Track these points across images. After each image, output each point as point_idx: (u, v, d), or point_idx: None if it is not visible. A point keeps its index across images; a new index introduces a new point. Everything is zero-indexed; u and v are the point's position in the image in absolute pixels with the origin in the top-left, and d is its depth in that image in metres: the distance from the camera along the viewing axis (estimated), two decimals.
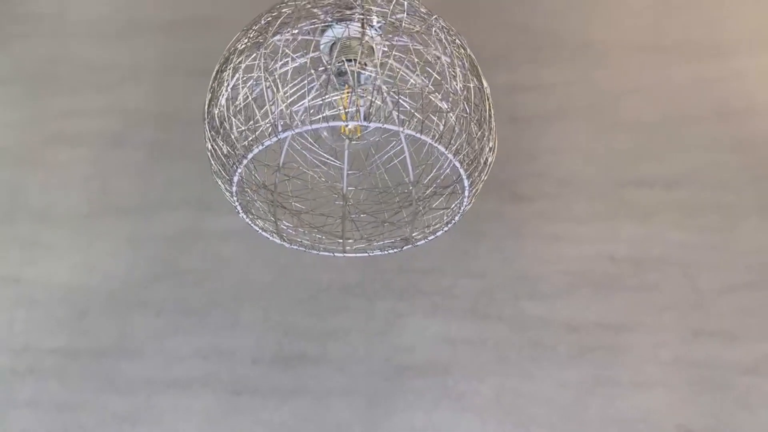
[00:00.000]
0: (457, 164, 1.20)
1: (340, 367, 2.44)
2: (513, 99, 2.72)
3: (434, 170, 1.41)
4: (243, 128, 1.18)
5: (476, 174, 1.27)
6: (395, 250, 1.50)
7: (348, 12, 1.26)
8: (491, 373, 2.38)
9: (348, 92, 1.22)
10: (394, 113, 1.13)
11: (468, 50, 1.31)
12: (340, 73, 1.27)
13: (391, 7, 1.25)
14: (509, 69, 2.79)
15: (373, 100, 1.14)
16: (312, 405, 2.41)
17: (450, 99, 1.20)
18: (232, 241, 2.66)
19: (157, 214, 2.74)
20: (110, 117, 2.93)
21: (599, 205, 2.57)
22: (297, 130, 1.13)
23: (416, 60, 1.19)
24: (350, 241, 1.51)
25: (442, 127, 1.19)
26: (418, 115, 1.15)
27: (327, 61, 1.27)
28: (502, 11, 2.95)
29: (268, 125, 1.15)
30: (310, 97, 1.16)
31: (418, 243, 1.48)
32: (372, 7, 1.27)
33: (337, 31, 1.28)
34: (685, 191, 2.56)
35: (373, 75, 1.19)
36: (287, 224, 1.48)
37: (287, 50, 1.18)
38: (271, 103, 1.15)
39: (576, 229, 2.55)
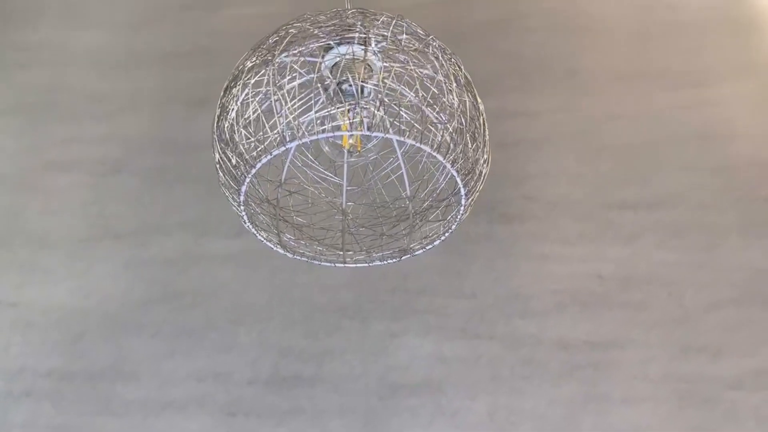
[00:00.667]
0: (455, 173, 1.27)
1: (335, 387, 2.47)
2: (502, 124, 2.80)
3: (430, 184, 1.48)
4: (252, 139, 1.24)
5: (472, 183, 1.34)
6: (394, 260, 1.55)
7: (350, 32, 1.33)
8: (484, 390, 2.42)
9: (350, 106, 1.29)
10: (396, 123, 1.19)
11: (463, 69, 1.39)
12: (343, 90, 1.34)
13: (391, 28, 1.33)
14: (498, 96, 2.88)
15: (376, 110, 1.21)
16: (308, 425, 2.43)
17: (447, 112, 1.27)
18: (227, 265, 2.71)
19: (154, 238, 2.79)
20: (109, 144, 2.99)
21: (586, 226, 2.65)
22: (304, 140, 1.20)
23: (415, 75, 1.27)
24: (350, 252, 1.57)
25: (439, 138, 1.26)
26: (418, 126, 1.22)
27: (330, 78, 1.34)
28: (491, 40, 3.06)
29: (276, 136, 1.22)
30: (315, 110, 1.22)
31: (417, 253, 1.54)
32: (372, 29, 1.35)
33: (340, 50, 1.35)
34: (668, 212, 2.65)
35: (374, 89, 1.26)
36: (289, 236, 1.54)
37: (294, 66, 1.25)
38: (279, 115, 1.22)
39: (564, 249, 2.62)
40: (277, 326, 2.59)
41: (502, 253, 2.63)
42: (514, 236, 2.66)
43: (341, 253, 1.56)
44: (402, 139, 1.21)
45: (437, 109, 1.28)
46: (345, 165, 1.52)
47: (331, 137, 1.30)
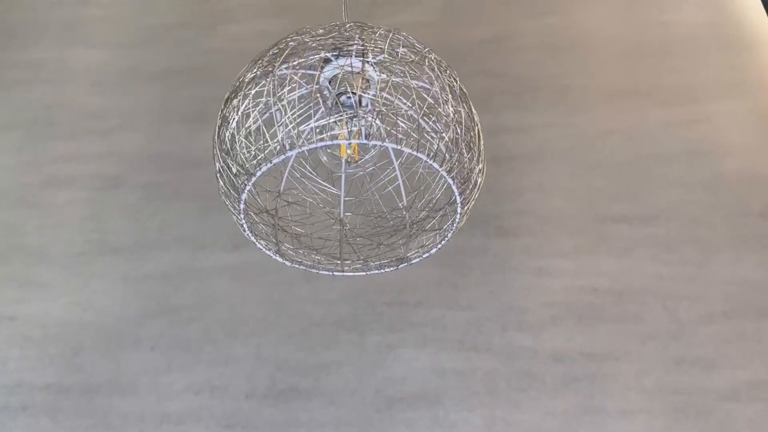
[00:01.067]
0: (450, 181, 1.30)
1: (332, 400, 2.48)
2: (496, 140, 2.85)
3: (427, 194, 1.51)
4: (252, 148, 1.27)
5: (467, 192, 1.37)
6: (391, 269, 1.58)
7: (348, 45, 1.37)
8: (481, 403, 2.43)
9: (348, 117, 1.32)
10: (393, 132, 1.23)
11: (458, 81, 1.43)
12: (341, 101, 1.37)
13: (388, 41, 1.37)
14: (492, 112, 2.93)
15: (374, 120, 1.24)
16: None
17: (443, 121, 1.30)
18: (224, 279, 2.73)
19: (152, 252, 2.81)
20: (107, 160, 3.03)
21: (580, 240, 2.68)
22: (303, 148, 1.22)
23: (413, 85, 1.30)
24: (348, 262, 1.59)
25: (436, 147, 1.29)
26: (414, 135, 1.26)
27: (329, 89, 1.37)
28: (485, 59, 3.11)
29: (276, 145, 1.25)
30: (315, 119, 1.26)
31: (413, 261, 1.56)
32: (369, 42, 1.38)
33: (339, 62, 1.39)
34: (661, 226, 2.68)
35: (372, 100, 1.29)
36: (288, 246, 1.56)
37: (295, 77, 1.29)
38: (279, 124, 1.25)
39: (559, 262, 2.64)
40: (274, 339, 2.60)
41: (497, 266, 2.66)
42: (509, 250, 2.69)
43: (339, 262, 1.58)
44: (399, 147, 1.24)
45: (433, 119, 1.31)
46: (343, 176, 1.55)
47: (330, 145, 1.33)
